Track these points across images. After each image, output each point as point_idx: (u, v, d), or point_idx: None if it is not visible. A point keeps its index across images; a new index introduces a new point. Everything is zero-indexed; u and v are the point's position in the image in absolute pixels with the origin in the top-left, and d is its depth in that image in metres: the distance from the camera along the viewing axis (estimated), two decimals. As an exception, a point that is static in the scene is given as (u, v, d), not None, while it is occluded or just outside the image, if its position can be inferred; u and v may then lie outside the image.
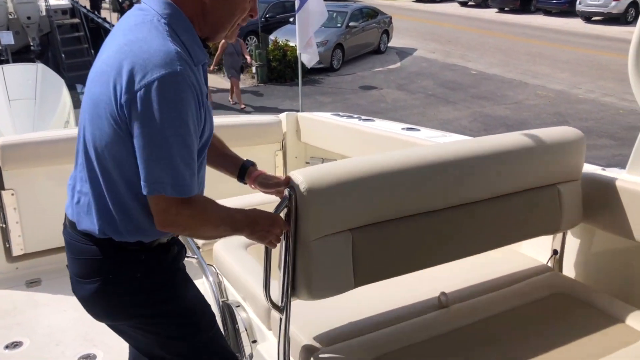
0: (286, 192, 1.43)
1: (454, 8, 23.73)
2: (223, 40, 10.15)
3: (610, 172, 1.88)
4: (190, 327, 1.45)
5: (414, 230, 1.57)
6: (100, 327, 1.48)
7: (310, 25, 7.18)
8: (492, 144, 1.71)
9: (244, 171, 1.64)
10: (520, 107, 10.43)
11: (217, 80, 11.76)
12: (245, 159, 1.67)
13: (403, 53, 15.20)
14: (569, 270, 2.04)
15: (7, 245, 2.84)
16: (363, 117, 3.15)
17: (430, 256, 1.63)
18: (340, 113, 3.31)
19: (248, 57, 10.81)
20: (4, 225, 2.80)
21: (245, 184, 1.66)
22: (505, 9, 22.20)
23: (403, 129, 2.81)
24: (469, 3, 24.18)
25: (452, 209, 1.62)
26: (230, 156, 1.69)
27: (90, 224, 1.33)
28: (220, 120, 3.41)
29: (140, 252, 1.36)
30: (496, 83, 12.11)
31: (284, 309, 1.48)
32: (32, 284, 2.83)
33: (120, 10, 18.35)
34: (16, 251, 2.87)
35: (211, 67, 10.57)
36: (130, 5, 14.62)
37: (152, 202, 1.25)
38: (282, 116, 3.36)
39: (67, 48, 11.62)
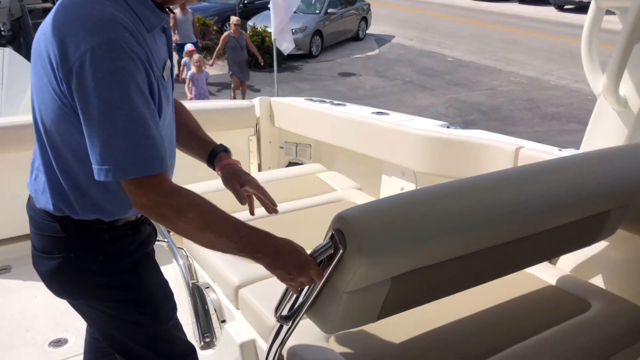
0: (331, 232, 1.15)
1: (432, -5, 23.78)
2: (225, 33, 9.18)
3: (566, 153, 1.94)
4: (148, 316, 1.41)
5: (463, 268, 1.36)
6: (71, 313, 1.47)
7: (285, 11, 7.17)
8: (577, 170, 1.44)
9: (213, 157, 1.53)
10: (495, 93, 10.56)
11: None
12: (219, 143, 1.54)
13: (381, 40, 15.20)
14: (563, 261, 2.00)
15: None
16: (335, 102, 3.17)
17: (466, 285, 1.45)
18: (313, 98, 3.32)
19: (256, 52, 9.76)
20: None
21: (215, 170, 1.54)
22: (483, -4, 22.31)
23: (373, 113, 2.85)
24: (447, -10, 24.24)
25: (509, 243, 1.38)
26: (202, 139, 1.56)
27: (45, 202, 1.29)
28: (193, 105, 3.41)
29: (103, 231, 1.31)
30: (472, 70, 12.22)
31: (291, 319, 1.32)
32: (2, 271, 2.81)
33: None
34: None
35: (211, 62, 9.85)
36: None
37: (126, 190, 1.15)
38: (256, 101, 3.37)
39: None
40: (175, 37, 10.42)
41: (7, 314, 2.51)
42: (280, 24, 7.33)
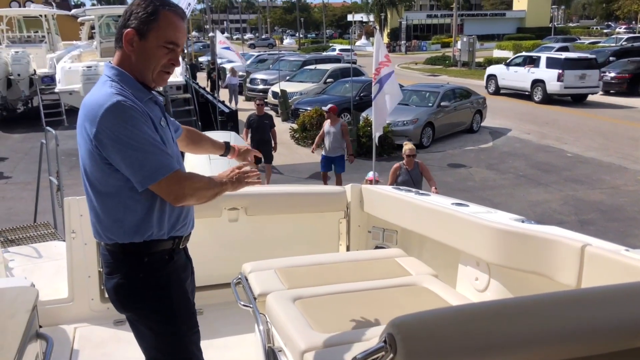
0: (383, 338, 1.17)
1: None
2: (396, 165, 7.55)
3: (632, 253, 1.95)
4: (172, 325, 1.89)
5: None
6: None
7: (388, 107, 7.68)
8: None
9: (227, 151, 2.44)
10: (617, 192, 9.93)
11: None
12: (224, 141, 2.47)
13: (496, 133, 15.13)
14: None
15: (102, 288, 3.31)
16: (420, 192, 3.37)
17: None
18: (400, 187, 3.55)
19: (432, 180, 7.31)
20: (102, 270, 3.29)
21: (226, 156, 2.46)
22: (611, 91, 21.44)
23: (453, 203, 3.00)
24: (571, 85, 23.67)
25: None
26: (216, 142, 2.47)
27: (100, 235, 1.87)
28: (290, 188, 3.79)
29: (143, 255, 1.85)
30: (593, 167, 11.67)
31: None
32: (119, 323, 3.23)
33: (209, 77, 20.45)
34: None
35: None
36: (218, 76, 16.17)
37: (157, 192, 1.77)
38: (347, 187, 3.66)
39: (178, 119, 13.05)
40: (325, 149, 9.39)
41: (117, 359, 2.90)
42: (381, 123, 7.83)
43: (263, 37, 72.74)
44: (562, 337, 1.26)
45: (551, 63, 19.35)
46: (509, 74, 20.96)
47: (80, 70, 13.27)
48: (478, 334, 1.21)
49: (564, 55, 20.55)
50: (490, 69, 22.68)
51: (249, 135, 9.85)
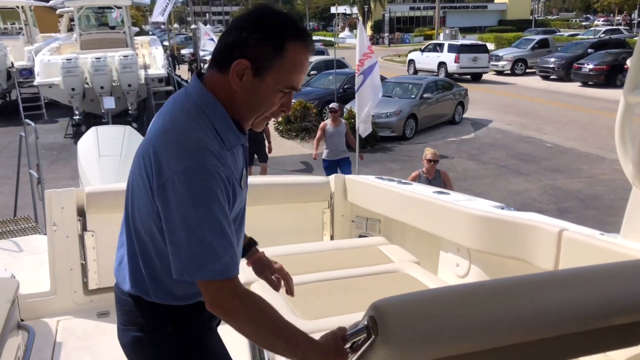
0: (365, 321, 1.19)
1: (535, 81, 23.61)
2: (415, 173, 6.92)
3: (607, 237, 2.00)
4: None
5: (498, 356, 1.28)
6: None
7: (370, 100, 7.71)
8: None
9: (247, 248, 1.78)
10: (595, 181, 10.13)
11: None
12: (250, 237, 1.79)
13: (478, 124, 15.30)
14: None
15: (85, 280, 3.29)
16: (402, 181, 3.41)
17: None
18: (383, 177, 3.58)
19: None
20: (84, 262, 3.26)
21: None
22: (589, 83, 21.78)
23: (434, 192, 3.04)
24: (551, 77, 23.96)
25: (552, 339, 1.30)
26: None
27: (126, 285, 1.51)
28: (274, 179, 3.80)
29: (173, 306, 1.49)
30: (571, 156, 11.87)
31: None
32: (102, 315, 3.22)
33: (190, 69, 20.31)
34: (92, 285, 3.31)
35: None
36: (197, 68, 15.93)
37: (200, 286, 1.34)
38: (331, 177, 3.69)
39: (160, 111, 13.00)
40: (321, 152, 8.80)
41: (102, 351, 2.90)
42: (365, 114, 7.83)
43: (245, 29, 71.91)
44: (540, 316, 1.28)
45: (451, 49, 24.34)
46: (423, 58, 25.95)
47: (60, 63, 13.06)
48: (459, 314, 1.23)
49: (460, 42, 26.55)
50: (410, 55, 27.55)
51: None
